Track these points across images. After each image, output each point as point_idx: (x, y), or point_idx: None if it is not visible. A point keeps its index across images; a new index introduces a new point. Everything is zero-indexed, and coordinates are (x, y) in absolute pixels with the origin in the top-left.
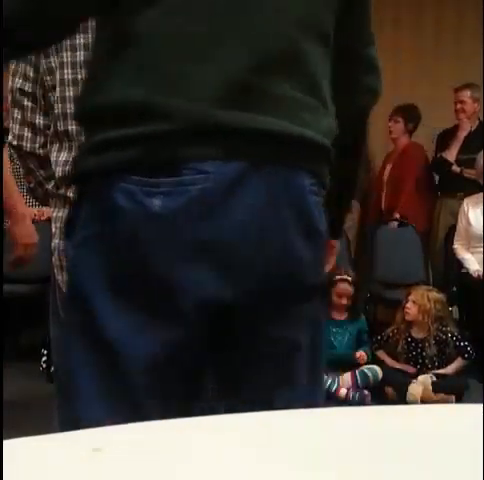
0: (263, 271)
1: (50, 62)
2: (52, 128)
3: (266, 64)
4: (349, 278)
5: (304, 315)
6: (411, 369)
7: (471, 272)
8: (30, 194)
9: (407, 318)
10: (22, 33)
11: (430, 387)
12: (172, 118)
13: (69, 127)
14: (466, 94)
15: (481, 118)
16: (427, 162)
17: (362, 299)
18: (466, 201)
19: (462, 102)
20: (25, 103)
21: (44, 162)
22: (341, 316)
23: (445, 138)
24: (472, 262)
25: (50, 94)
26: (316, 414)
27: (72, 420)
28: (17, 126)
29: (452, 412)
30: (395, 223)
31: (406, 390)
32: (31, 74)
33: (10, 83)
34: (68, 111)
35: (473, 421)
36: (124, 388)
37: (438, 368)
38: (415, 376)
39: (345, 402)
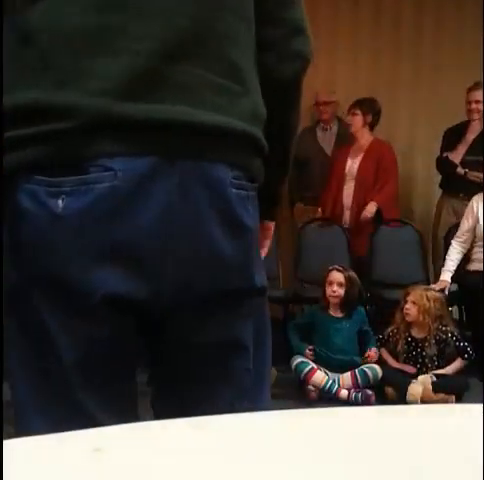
0: (180, 270)
1: None
2: None
3: (172, 50)
4: (341, 268)
5: (238, 315)
6: (411, 369)
7: (445, 271)
8: None
9: (407, 319)
10: None
11: (430, 387)
12: (72, 114)
13: None
14: (480, 93)
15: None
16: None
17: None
18: (475, 199)
19: (477, 102)
20: None
21: None
22: (338, 312)
23: (452, 137)
24: (451, 265)
25: None
26: (316, 414)
27: (17, 422)
28: None
29: (452, 412)
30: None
31: (406, 390)
32: None
33: None
34: None
35: (473, 421)
36: (61, 387)
37: (438, 368)
38: (415, 376)
39: (347, 403)
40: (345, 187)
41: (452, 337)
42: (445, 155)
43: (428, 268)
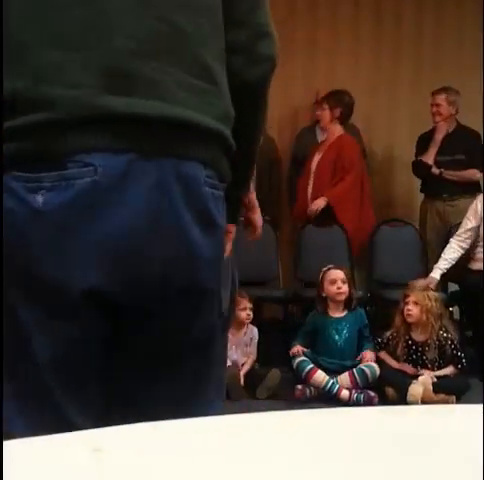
0: (159, 267)
1: None
2: None
3: (145, 48)
4: (338, 266)
5: (202, 314)
6: (411, 369)
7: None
8: None
9: (409, 320)
10: None
11: (431, 388)
12: (51, 107)
13: None
14: (442, 97)
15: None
16: (360, 157)
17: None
18: (479, 198)
19: (438, 105)
20: None
21: None
22: (339, 312)
23: (423, 141)
24: (443, 263)
25: None
26: (317, 414)
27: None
28: None
29: (452, 412)
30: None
31: (407, 391)
32: None
33: None
34: None
35: (473, 421)
36: (38, 388)
37: (439, 369)
38: (415, 377)
39: (349, 404)
40: (309, 183)
41: (451, 345)
42: (419, 158)
43: (428, 268)
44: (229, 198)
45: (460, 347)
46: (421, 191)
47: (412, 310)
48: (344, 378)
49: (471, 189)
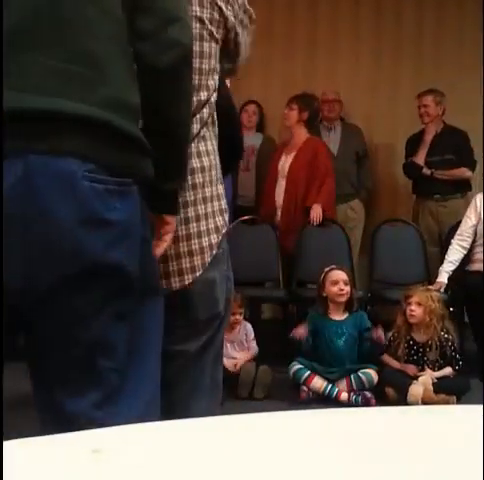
0: (34, 260)
1: None
2: None
3: (16, 38)
4: (340, 267)
5: (106, 313)
6: (413, 370)
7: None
8: None
9: (412, 321)
10: None
11: (431, 388)
12: None
13: None
14: (429, 98)
15: None
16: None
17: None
18: (479, 197)
19: (426, 106)
20: None
21: None
22: (340, 314)
23: (413, 143)
24: (448, 266)
25: None
26: (317, 415)
27: None
28: None
29: (452, 413)
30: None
31: (407, 391)
32: None
33: None
34: None
35: (473, 421)
36: None
37: (439, 369)
38: (416, 377)
39: (347, 405)
40: (277, 185)
41: (451, 346)
42: (410, 159)
43: (429, 268)
44: (161, 190)
45: (460, 348)
46: (413, 192)
47: (415, 310)
48: (341, 384)
49: (461, 188)
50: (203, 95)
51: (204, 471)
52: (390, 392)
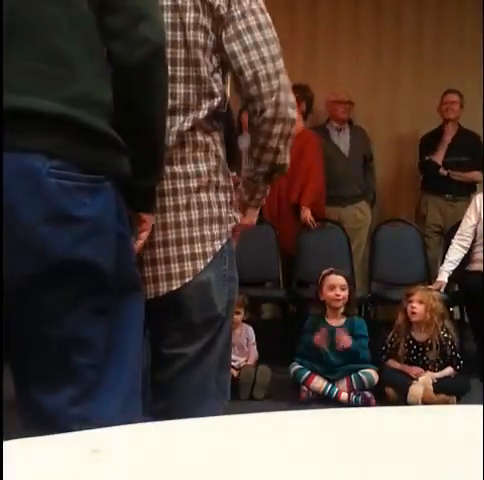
0: (17, 260)
1: None
2: None
3: None
4: (339, 270)
5: (81, 310)
6: (414, 371)
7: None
8: None
9: (414, 319)
10: None
11: (431, 388)
12: None
13: None
14: (456, 97)
15: None
16: (321, 152)
17: (361, 299)
18: (478, 197)
19: (453, 102)
20: None
21: None
22: (336, 320)
23: (430, 141)
24: (449, 266)
25: None
26: (317, 415)
27: None
28: None
29: (452, 413)
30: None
31: (407, 391)
32: None
33: None
34: None
35: (473, 422)
36: None
37: (439, 369)
38: (416, 377)
39: (347, 405)
40: None
41: (451, 346)
42: (428, 158)
43: (430, 268)
44: (136, 187)
45: (460, 348)
46: (422, 188)
47: (417, 308)
48: (341, 384)
49: (469, 190)
50: (203, 101)
51: (204, 471)
52: (390, 392)
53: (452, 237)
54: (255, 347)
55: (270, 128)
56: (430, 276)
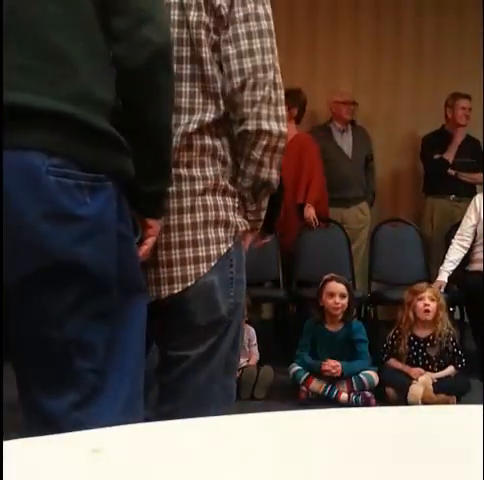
0: (17, 259)
1: None
2: None
3: None
4: (339, 277)
5: (81, 313)
6: (415, 371)
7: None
8: None
9: (427, 316)
10: None
11: (431, 388)
12: None
13: None
14: (469, 103)
15: None
16: (319, 155)
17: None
18: (478, 197)
19: (468, 109)
20: None
21: None
22: (335, 325)
23: (435, 141)
24: (449, 265)
25: None
26: (317, 415)
27: None
28: None
29: (452, 413)
30: None
31: (407, 391)
32: None
33: None
34: None
35: (473, 421)
36: None
37: (439, 368)
38: (416, 378)
39: (347, 405)
40: None
41: (452, 342)
42: (438, 156)
43: (430, 268)
44: (142, 193)
45: (461, 348)
46: (426, 190)
47: (430, 305)
48: (341, 385)
49: (471, 192)
50: (209, 106)
51: (204, 471)
52: (390, 392)
53: (452, 237)
54: (256, 347)
55: (255, 139)
56: (430, 276)
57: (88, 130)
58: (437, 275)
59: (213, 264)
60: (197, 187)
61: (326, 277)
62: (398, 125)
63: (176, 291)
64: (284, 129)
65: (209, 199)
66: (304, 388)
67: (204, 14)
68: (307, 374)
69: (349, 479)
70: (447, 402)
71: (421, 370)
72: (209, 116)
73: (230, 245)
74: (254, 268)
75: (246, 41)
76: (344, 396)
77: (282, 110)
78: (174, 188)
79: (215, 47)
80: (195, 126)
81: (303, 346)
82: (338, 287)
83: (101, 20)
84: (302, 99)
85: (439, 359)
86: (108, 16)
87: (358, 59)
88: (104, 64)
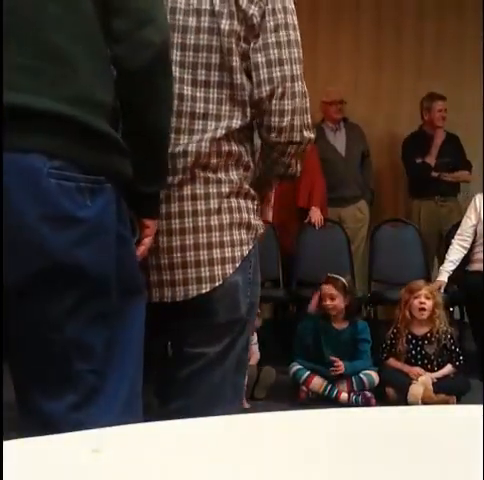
0: (16, 260)
1: None
2: None
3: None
4: (334, 278)
5: (80, 315)
6: (414, 371)
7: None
8: None
9: (423, 315)
10: None
11: (431, 388)
12: None
13: None
14: (444, 104)
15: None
16: (315, 154)
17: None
18: (478, 197)
19: (444, 111)
20: None
21: None
22: (340, 323)
23: (415, 144)
24: (449, 265)
25: None
26: (317, 415)
27: None
28: None
29: (452, 413)
30: None
31: (407, 391)
32: None
33: None
34: None
35: (473, 421)
36: None
37: (438, 367)
38: (416, 378)
39: (347, 405)
40: None
41: (450, 339)
42: (420, 160)
43: (429, 268)
44: (139, 193)
45: (460, 347)
46: (411, 192)
47: (426, 304)
48: (341, 385)
49: (454, 191)
50: (231, 108)
51: (204, 471)
52: (390, 392)
53: (452, 237)
54: (257, 347)
55: (285, 148)
56: (430, 276)
57: (88, 132)
58: (436, 275)
59: (237, 265)
60: (223, 190)
61: (323, 279)
62: (399, 126)
63: (204, 291)
64: (312, 135)
65: (234, 201)
66: (304, 388)
67: (236, 22)
68: (308, 373)
69: (349, 479)
70: (447, 402)
71: (420, 370)
72: (236, 122)
73: (251, 247)
74: None
75: (276, 51)
76: (344, 396)
77: (308, 118)
78: (202, 190)
79: (244, 55)
80: (223, 132)
81: (303, 345)
82: (328, 289)
83: (101, 20)
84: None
85: (437, 357)
86: (108, 16)
87: (358, 69)
88: (104, 64)
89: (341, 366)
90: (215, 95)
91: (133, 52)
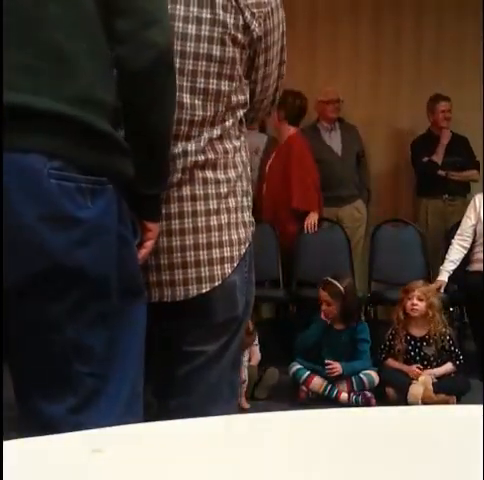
0: (16, 260)
1: None
2: None
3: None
4: (329, 282)
5: (80, 317)
6: (414, 371)
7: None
8: None
9: (414, 315)
10: None
11: (431, 388)
12: None
13: None
14: (449, 105)
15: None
16: (309, 154)
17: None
18: (478, 197)
19: (449, 111)
20: None
21: None
22: (339, 325)
23: (423, 144)
24: (449, 265)
25: None
26: (317, 415)
27: None
28: None
29: (452, 413)
30: None
31: (407, 391)
32: None
33: None
34: None
35: (473, 421)
36: None
37: (438, 367)
38: (415, 378)
39: (348, 405)
40: (264, 186)
41: (449, 340)
42: (427, 159)
43: (429, 268)
44: (141, 195)
45: (460, 347)
46: (419, 192)
47: (418, 305)
48: (341, 385)
49: (464, 190)
50: (223, 104)
51: (204, 471)
52: (390, 392)
53: (452, 237)
54: (258, 348)
55: None
56: (430, 276)
57: (89, 133)
58: (436, 275)
59: (235, 264)
60: (222, 190)
61: (322, 282)
62: (400, 128)
63: (204, 290)
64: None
65: (231, 202)
66: (304, 388)
67: (240, 35)
68: (308, 373)
69: (349, 479)
70: (447, 402)
71: (418, 370)
72: (231, 122)
73: (247, 245)
74: (254, 268)
75: (269, 67)
76: (344, 396)
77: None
78: (201, 191)
79: (248, 66)
80: (219, 132)
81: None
82: (321, 293)
83: (103, 20)
84: (290, 101)
85: (437, 358)
86: (111, 17)
87: (357, 73)
88: (105, 64)
89: (336, 368)
90: (213, 103)
91: (136, 52)
